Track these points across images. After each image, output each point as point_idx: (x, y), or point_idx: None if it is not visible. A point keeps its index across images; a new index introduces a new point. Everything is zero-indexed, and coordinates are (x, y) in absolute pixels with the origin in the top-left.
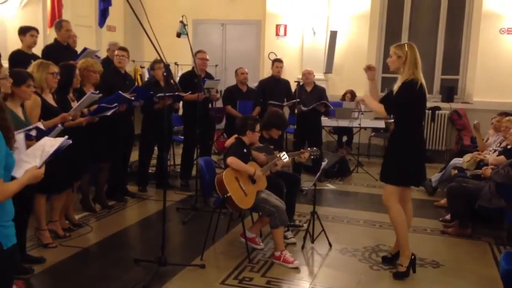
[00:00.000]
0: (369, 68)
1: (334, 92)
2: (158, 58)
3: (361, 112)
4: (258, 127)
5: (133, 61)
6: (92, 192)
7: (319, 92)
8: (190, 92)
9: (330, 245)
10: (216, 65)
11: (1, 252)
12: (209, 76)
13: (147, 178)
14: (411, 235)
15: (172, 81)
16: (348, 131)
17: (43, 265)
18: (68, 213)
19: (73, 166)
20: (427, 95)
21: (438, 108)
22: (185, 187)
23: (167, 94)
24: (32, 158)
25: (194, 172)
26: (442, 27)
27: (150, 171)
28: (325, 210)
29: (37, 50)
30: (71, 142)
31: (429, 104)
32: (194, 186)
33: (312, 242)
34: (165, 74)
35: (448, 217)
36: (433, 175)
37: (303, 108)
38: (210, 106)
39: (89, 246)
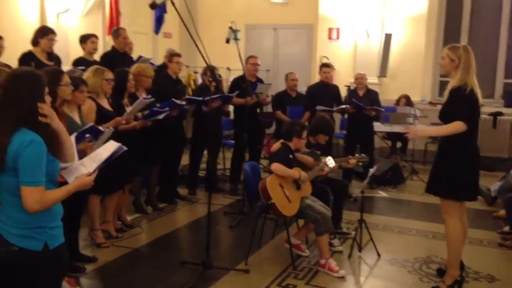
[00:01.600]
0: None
1: (388, 96)
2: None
3: (416, 118)
4: (304, 133)
5: (187, 66)
6: (144, 194)
7: (371, 96)
8: (237, 92)
9: (378, 254)
10: (268, 70)
11: (48, 252)
12: (260, 81)
13: (197, 182)
14: (466, 247)
15: (216, 85)
16: (402, 137)
17: (95, 264)
18: (120, 214)
19: (124, 169)
20: (488, 100)
21: (500, 114)
22: (234, 191)
23: (214, 96)
24: (91, 163)
25: (243, 177)
26: (504, 29)
27: (200, 174)
28: (375, 219)
29: (98, 56)
30: (126, 149)
31: (490, 110)
32: (242, 190)
33: (360, 251)
34: (210, 79)
35: (506, 228)
36: (493, 184)
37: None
38: (258, 110)
39: (140, 246)
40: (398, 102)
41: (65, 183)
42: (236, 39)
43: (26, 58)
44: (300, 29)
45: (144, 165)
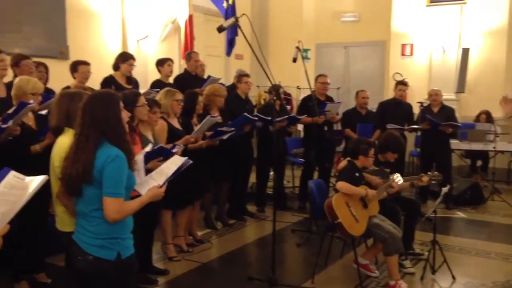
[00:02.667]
0: (505, 102)
1: (467, 113)
2: (278, 83)
3: (496, 135)
4: (371, 151)
5: (258, 86)
6: (214, 210)
7: (447, 113)
8: (305, 116)
9: (453, 277)
10: (338, 88)
11: (120, 261)
12: (329, 100)
13: (265, 199)
14: None
15: (280, 103)
16: (483, 155)
17: (167, 277)
18: (191, 229)
19: (194, 185)
20: None
21: None
22: (303, 209)
23: (281, 118)
24: (159, 176)
25: None
26: None
27: (269, 192)
28: (451, 240)
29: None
30: (191, 162)
31: None
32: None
33: (433, 273)
34: (274, 98)
35: None
36: None
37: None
38: (326, 128)
39: (209, 261)
40: (478, 118)
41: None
42: (305, 58)
43: (107, 82)
44: (371, 46)
45: (213, 182)
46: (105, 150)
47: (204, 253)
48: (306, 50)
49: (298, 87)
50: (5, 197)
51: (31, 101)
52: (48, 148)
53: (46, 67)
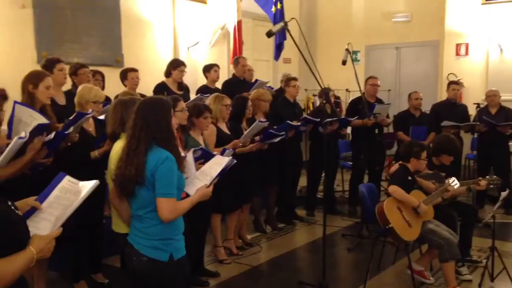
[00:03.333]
0: None
1: None
2: (327, 86)
3: None
4: (423, 154)
5: (306, 90)
6: (263, 214)
7: (505, 114)
8: (356, 117)
9: None
10: (389, 90)
11: (173, 262)
12: (379, 101)
13: (315, 203)
14: None
15: (331, 107)
16: None
17: (218, 279)
18: (241, 233)
19: (244, 189)
20: None
21: None
22: (353, 214)
23: (331, 119)
24: (204, 176)
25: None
26: None
27: (318, 196)
28: (511, 247)
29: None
30: (235, 162)
31: None
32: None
33: (492, 280)
34: (324, 102)
35: None
36: None
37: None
38: (376, 131)
39: (259, 264)
40: None
41: None
42: (355, 60)
43: (160, 88)
44: (424, 46)
45: (262, 186)
46: (156, 153)
47: (254, 257)
48: (355, 52)
49: (347, 90)
50: (60, 201)
51: (89, 111)
52: (106, 155)
53: (102, 75)
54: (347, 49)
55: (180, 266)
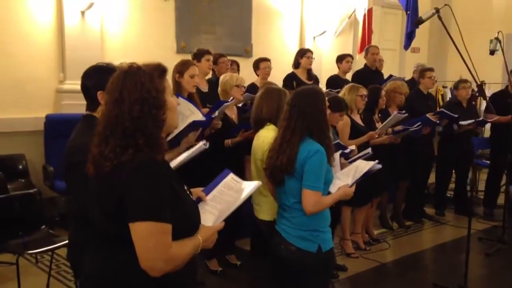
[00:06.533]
0: None
1: None
2: (463, 77)
3: None
4: None
5: (436, 81)
6: (390, 210)
7: None
8: (497, 117)
9: None
10: None
11: (321, 254)
12: None
13: (445, 202)
14: None
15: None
16: None
17: (346, 273)
18: (368, 227)
19: (374, 183)
20: None
21: None
22: (489, 216)
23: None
24: (345, 177)
25: (499, 201)
26: None
27: (448, 195)
28: None
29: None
30: (380, 167)
31: None
32: (500, 216)
33: None
34: (477, 94)
35: None
36: None
37: None
38: None
39: (387, 262)
40: None
41: None
42: (495, 49)
43: (289, 78)
44: None
45: (392, 181)
46: (307, 144)
47: (382, 253)
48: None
49: (483, 82)
50: (223, 196)
51: (230, 99)
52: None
53: (237, 65)
54: (496, 38)
55: (327, 259)
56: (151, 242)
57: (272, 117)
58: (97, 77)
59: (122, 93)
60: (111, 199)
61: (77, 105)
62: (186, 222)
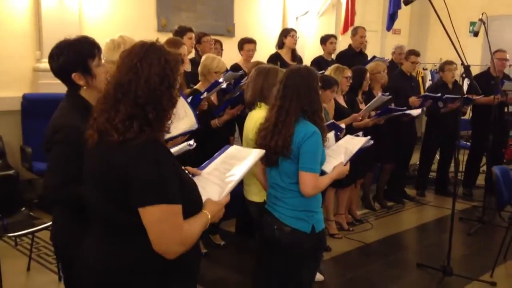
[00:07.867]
0: None
1: None
2: (449, 60)
3: None
4: None
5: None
6: (372, 191)
7: None
8: (482, 95)
9: None
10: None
11: (314, 234)
12: (506, 78)
13: (426, 183)
14: None
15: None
16: None
17: (330, 254)
18: (351, 209)
19: (359, 164)
20: None
21: None
22: (468, 197)
23: (452, 96)
24: (337, 154)
25: (478, 181)
26: None
27: (430, 176)
28: None
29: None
30: (372, 142)
31: None
32: (478, 196)
33: None
34: (464, 75)
35: None
36: None
37: None
38: (506, 110)
39: (371, 242)
40: None
41: None
42: (471, 32)
43: (273, 59)
44: None
45: (376, 162)
46: (303, 126)
47: (365, 234)
48: (473, 24)
49: (462, 64)
50: (226, 166)
51: (220, 80)
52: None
53: (221, 44)
54: (480, 19)
55: (320, 239)
56: (165, 225)
57: (256, 98)
58: (64, 58)
59: (142, 62)
60: (113, 180)
61: (55, 84)
62: (190, 201)
